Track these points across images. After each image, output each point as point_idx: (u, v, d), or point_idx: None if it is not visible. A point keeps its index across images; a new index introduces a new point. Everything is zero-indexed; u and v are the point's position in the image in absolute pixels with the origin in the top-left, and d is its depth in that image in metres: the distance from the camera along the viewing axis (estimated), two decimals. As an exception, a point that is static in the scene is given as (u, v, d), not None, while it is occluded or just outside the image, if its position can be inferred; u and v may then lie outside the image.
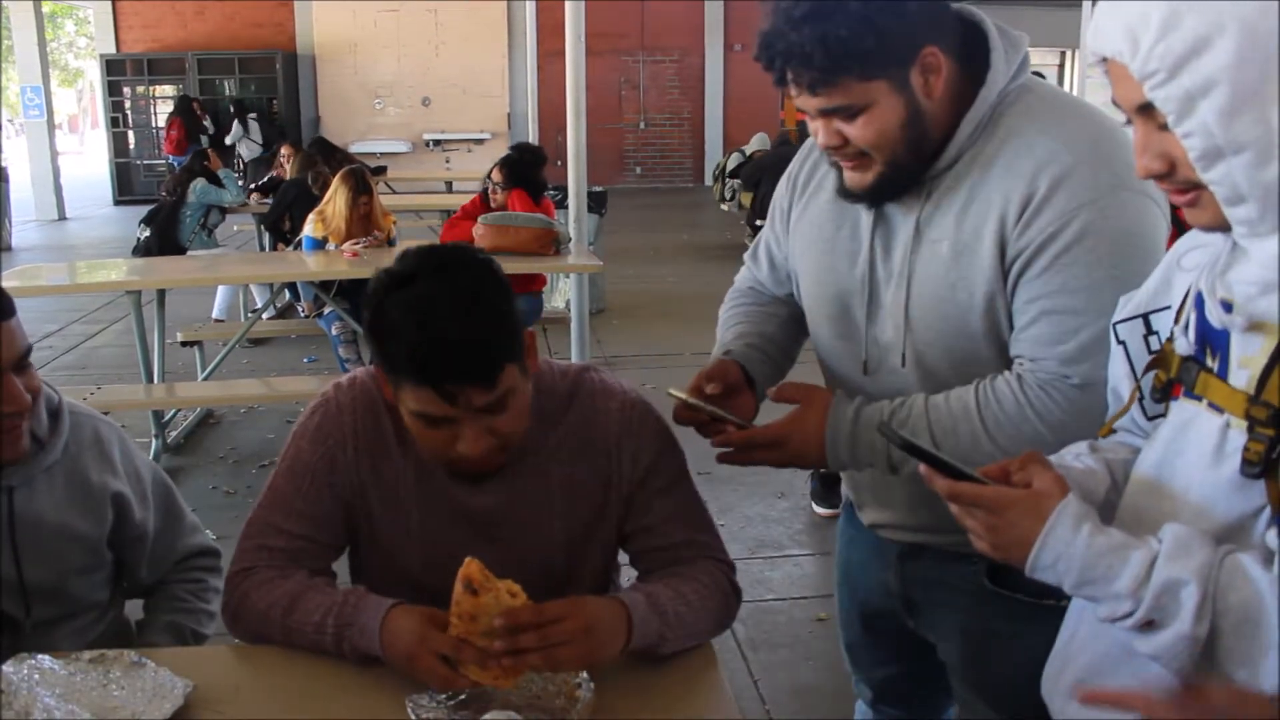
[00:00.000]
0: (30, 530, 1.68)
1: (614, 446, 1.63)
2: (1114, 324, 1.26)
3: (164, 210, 7.45)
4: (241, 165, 14.95)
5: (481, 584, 1.37)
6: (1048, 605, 1.48)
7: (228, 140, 14.88)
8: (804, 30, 1.34)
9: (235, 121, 15.25)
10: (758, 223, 9.67)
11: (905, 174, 1.46)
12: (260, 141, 15.15)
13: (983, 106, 1.44)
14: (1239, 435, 1.04)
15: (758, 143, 11.47)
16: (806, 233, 1.65)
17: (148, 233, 7.34)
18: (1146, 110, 1.04)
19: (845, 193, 1.52)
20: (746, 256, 1.85)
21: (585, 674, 1.44)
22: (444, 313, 1.42)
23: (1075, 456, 1.27)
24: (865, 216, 1.55)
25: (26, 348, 1.61)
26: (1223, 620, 0.99)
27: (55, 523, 1.70)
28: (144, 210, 7.85)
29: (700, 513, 1.70)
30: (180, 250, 7.20)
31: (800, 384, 1.58)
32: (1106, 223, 1.38)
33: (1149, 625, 1.02)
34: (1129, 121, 1.10)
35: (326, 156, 7.09)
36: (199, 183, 7.46)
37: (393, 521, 1.65)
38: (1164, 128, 1.03)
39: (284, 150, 8.56)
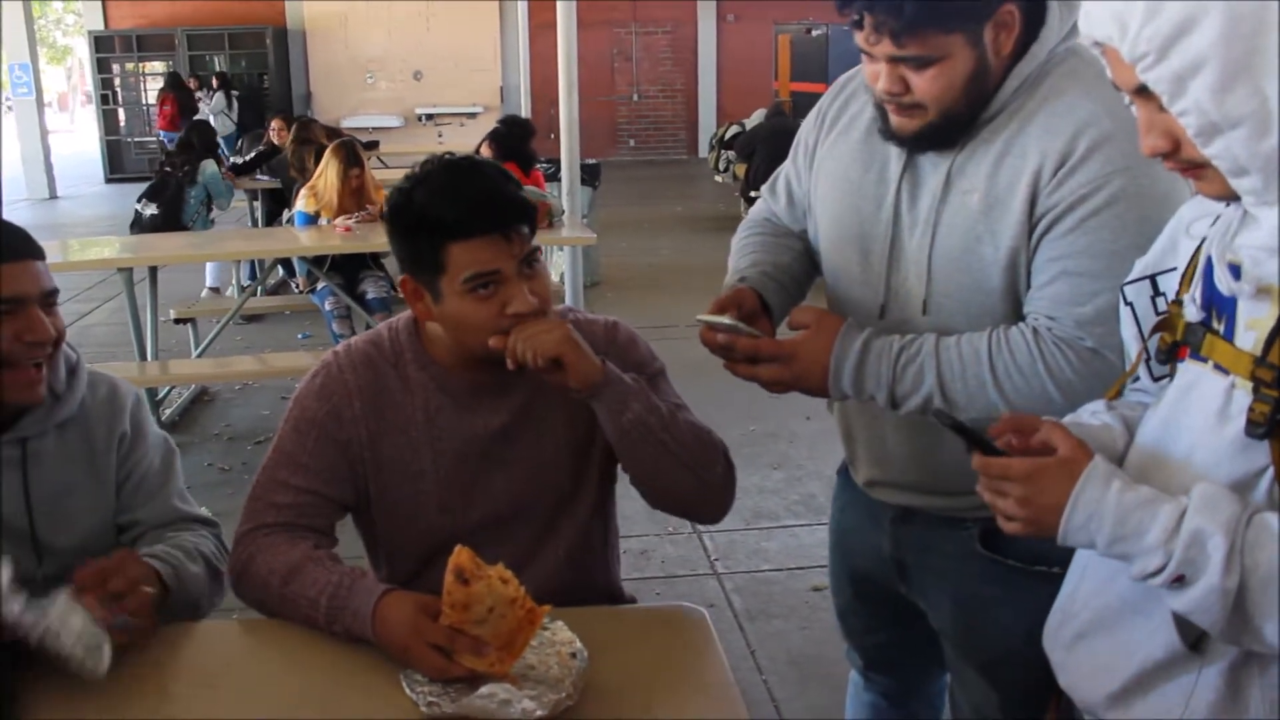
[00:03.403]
0: (42, 484, 1.67)
1: (601, 354, 1.66)
2: (1122, 286, 1.26)
3: (171, 187, 7.13)
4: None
5: (473, 573, 1.37)
6: (1039, 571, 1.49)
7: (208, 112, 13.74)
8: None
9: (219, 91, 14.37)
10: (752, 194, 9.65)
11: (956, 124, 1.44)
12: (236, 120, 14.26)
13: (1032, 63, 1.43)
14: (1244, 396, 1.04)
15: (759, 119, 11.41)
16: (832, 170, 1.64)
17: (152, 209, 7.06)
18: (1144, 92, 1.05)
19: (888, 134, 1.50)
20: (764, 189, 1.83)
21: (580, 644, 1.44)
22: (482, 173, 1.59)
23: (1091, 414, 1.28)
24: (894, 161, 1.54)
25: (53, 288, 1.62)
26: (1251, 577, 1.00)
27: (66, 480, 1.70)
28: (137, 187, 7.68)
29: (683, 403, 1.74)
30: (183, 228, 7.03)
31: (813, 308, 1.57)
32: (1139, 191, 1.37)
33: (1179, 581, 1.03)
34: (1130, 103, 1.10)
35: (306, 134, 6.97)
36: (210, 165, 7.21)
37: (406, 466, 1.68)
38: (1164, 108, 1.04)
39: (275, 123, 8.47)
